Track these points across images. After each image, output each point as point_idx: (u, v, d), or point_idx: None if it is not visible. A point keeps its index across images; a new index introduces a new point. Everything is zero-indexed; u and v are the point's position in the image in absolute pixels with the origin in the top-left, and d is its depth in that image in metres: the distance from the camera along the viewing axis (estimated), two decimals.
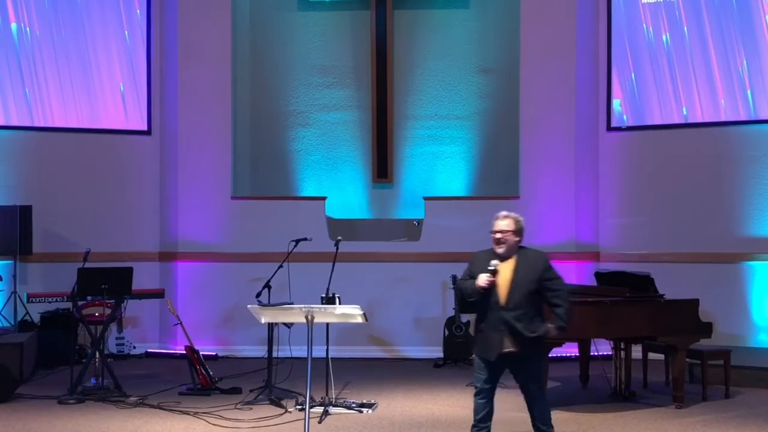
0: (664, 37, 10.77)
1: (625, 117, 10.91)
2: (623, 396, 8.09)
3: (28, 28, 10.76)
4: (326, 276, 7.84)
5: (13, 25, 10.72)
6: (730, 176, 10.41)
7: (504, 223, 5.78)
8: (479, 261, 5.79)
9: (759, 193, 10.29)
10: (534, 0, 10.78)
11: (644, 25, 10.86)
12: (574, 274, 10.51)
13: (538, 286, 5.68)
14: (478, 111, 11.29)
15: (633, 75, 10.91)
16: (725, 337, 9.52)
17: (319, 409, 7.42)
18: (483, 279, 5.65)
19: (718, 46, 10.50)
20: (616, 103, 10.96)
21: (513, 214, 5.86)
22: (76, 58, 10.92)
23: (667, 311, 7.67)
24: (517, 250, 5.78)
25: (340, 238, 8.41)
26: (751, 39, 10.35)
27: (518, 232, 5.80)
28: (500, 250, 5.76)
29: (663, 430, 7.00)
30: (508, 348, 5.64)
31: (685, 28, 10.67)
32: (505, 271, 5.70)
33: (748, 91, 10.36)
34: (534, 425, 5.87)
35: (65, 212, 10.72)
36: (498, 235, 5.76)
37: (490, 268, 5.67)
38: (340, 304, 7.65)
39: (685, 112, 10.70)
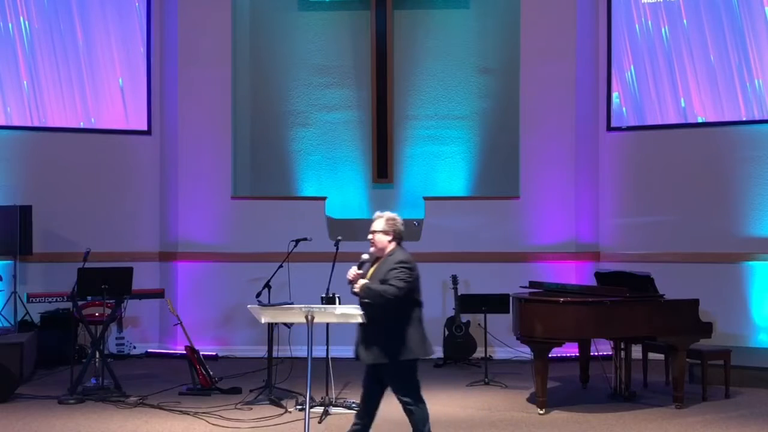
0: (664, 37, 10.77)
1: (624, 110, 10.89)
2: (623, 396, 8.09)
3: (28, 28, 10.75)
4: (326, 276, 7.83)
5: (11, 25, 10.71)
6: (730, 176, 10.41)
7: (375, 223, 5.75)
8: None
9: (759, 193, 10.29)
10: (534, 0, 10.78)
11: (644, 25, 10.86)
12: (574, 274, 10.53)
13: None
14: (478, 111, 11.29)
15: (633, 75, 10.91)
16: (725, 337, 9.52)
17: (319, 409, 7.43)
18: (349, 272, 5.68)
19: (718, 45, 10.49)
20: (616, 102, 10.96)
21: (388, 215, 5.80)
22: (76, 58, 10.91)
23: (667, 311, 7.67)
24: (390, 251, 5.69)
25: (340, 238, 8.40)
26: (751, 39, 10.35)
27: (389, 232, 5.72)
28: (371, 249, 5.74)
29: (663, 430, 7.00)
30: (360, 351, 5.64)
31: (685, 27, 10.67)
32: (371, 271, 5.68)
33: (749, 91, 10.36)
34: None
35: (65, 212, 10.72)
36: (369, 236, 5.74)
37: (360, 261, 5.71)
38: (340, 304, 7.65)
39: (685, 112, 10.69)
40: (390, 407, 7.78)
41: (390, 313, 5.55)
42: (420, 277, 5.75)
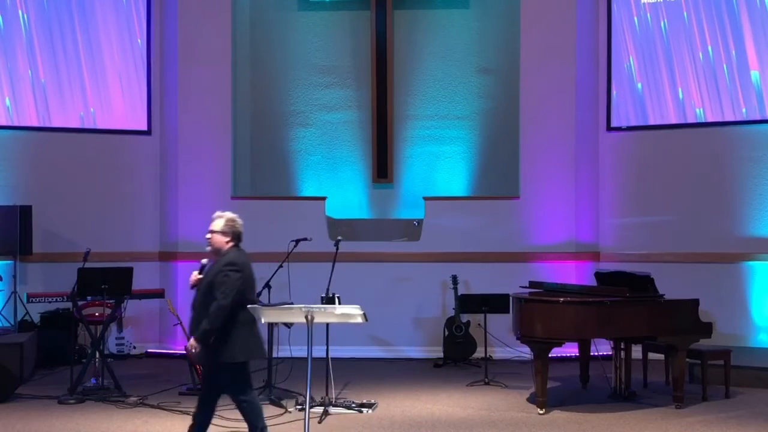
0: (664, 37, 10.77)
1: (624, 109, 10.90)
2: (623, 396, 8.09)
3: (28, 29, 10.75)
4: (326, 276, 7.84)
5: (10, 25, 10.71)
6: (730, 176, 10.41)
7: (214, 224, 5.74)
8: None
9: (759, 193, 10.29)
10: (534, 0, 10.78)
11: (644, 25, 10.86)
12: (574, 274, 10.53)
13: (211, 289, 5.55)
14: (478, 111, 11.29)
15: (633, 75, 10.91)
16: (725, 337, 9.53)
17: (319, 409, 7.43)
18: (191, 277, 5.71)
19: (719, 46, 10.49)
20: (616, 102, 10.95)
21: (228, 215, 5.78)
22: (77, 58, 10.91)
23: (667, 311, 7.67)
24: (226, 251, 5.67)
25: (340, 238, 8.42)
26: (751, 39, 10.35)
27: (228, 233, 5.70)
28: (208, 248, 5.73)
29: (663, 430, 7.00)
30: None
31: (686, 27, 10.67)
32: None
33: (749, 92, 10.36)
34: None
35: (65, 212, 10.72)
36: (207, 235, 5.73)
37: (200, 265, 5.74)
38: (340, 304, 7.66)
39: (685, 112, 10.69)
40: (394, 409, 7.79)
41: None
42: (253, 277, 5.71)
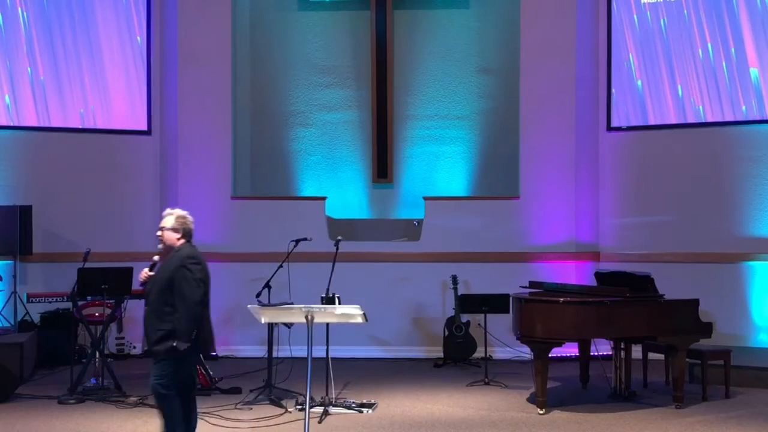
0: (664, 37, 10.77)
1: (624, 109, 10.90)
2: (623, 396, 8.09)
3: (28, 28, 10.75)
4: (326, 276, 7.84)
5: (10, 25, 10.71)
6: (730, 176, 10.41)
7: (165, 220, 5.72)
8: None
9: (759, 193, 10.29)
10: (534, 0, 10.78)
11: (644, 25, 10.86)
12: (574, 274, 10.53)
13: (170, 286, 5.51)
14: (478, 111, 11.29)
15: (633, 75, 10.91)
16: (725, 337, 9.53)
17: (319, 409, 7.43)
18: (141, 274, 5.72)
19: (719, 45, 10.49)
20: (616, 102, 10.95)
21: (178, 212, 5.77)
22: (76, 58, 10.91)
23: (667, 311, 7.67)
24: (179, 247, 5.66)
25: (340, 238, 8.42)
26: (751, 39, 10.35)
27: (179, 230, 5.69)
28: (160, 245, 5.72)
29: (663, 430, 7.00)
30: (147, 346, 5.62)
31: (686, 26, 10.67)
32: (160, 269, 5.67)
33: (749, 89, 10.36)
34: None
35: (65, 212, 10.71)
36: (158, 232, 5.72)
37: (151, 262, 5.74)
38: (340, 304, 7.66)
39: (685, 112, 10.69)
40: (394, 409, 7.79)
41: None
42: (209, 274, 5.69)
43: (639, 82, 10.88)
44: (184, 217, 5.75)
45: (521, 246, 10.67)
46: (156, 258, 5.81)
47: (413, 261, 10.63)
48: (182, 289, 5.49)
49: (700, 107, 10.60)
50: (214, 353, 6.80)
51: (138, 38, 11.14)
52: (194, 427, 5.89)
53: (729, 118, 10.47)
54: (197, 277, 5.53)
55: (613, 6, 10.94)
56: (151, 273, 5.72)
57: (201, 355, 8.35)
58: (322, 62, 11.35)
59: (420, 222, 10.89)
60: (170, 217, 5.73)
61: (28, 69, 10.74)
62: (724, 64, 10.46)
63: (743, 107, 10.38)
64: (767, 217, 10.24)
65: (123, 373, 8.82)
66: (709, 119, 10.57)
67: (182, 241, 5.70)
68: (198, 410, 7.40)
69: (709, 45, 10.53)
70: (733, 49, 10.41)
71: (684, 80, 10.66)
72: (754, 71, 10.32)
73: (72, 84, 10.91)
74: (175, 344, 5.44)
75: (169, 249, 5.70)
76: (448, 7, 11.30)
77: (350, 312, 5.72)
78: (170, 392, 5.60)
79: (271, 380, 8.07)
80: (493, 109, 11.26)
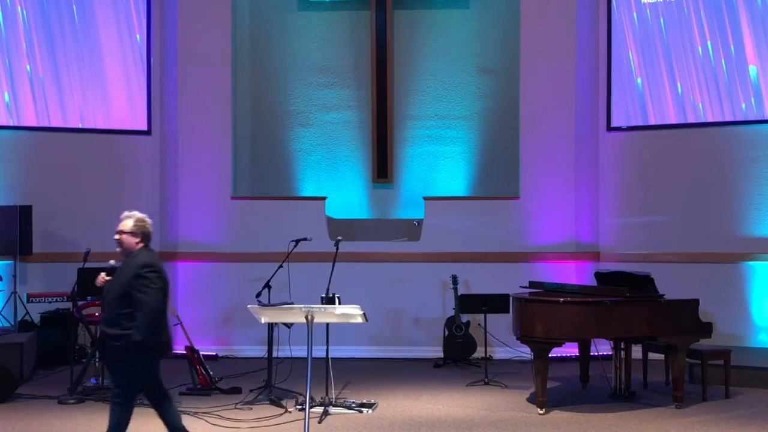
0: (664, 37, 10.77)
1: (624, 109, 10.90)
2: (623, 396, 8.09)
3: (27, 28, 10.75)
4: (326, 276, 7.84)
5: (9, 25, 10.71)
6: (730, 176, 10.41)
7: (123, 224, 5.64)
8: None
9: (759, 193, 10.29)
10: (534, 0, 10.78)
11: (645, 25, 10.86)
12: (574, 274, 10.53)
13: (128, 292, 5.44)
14: (478, 111, 11.29)
15: (633, 74, 10.91)
16: (725, 337, 9.52)
17: (319, 409, 7.43)
18: (98, 278, 5.68)
19: (719, 45, 10.49)
20: (616, 102, 10.95)
21: (137, 215, 5.68)
22: (76, 58, 10.91)
23: (667, 311, 7.67)
24: (137, 252, 5.58)
25: (340, 238, 8.41)
26: (751, 38, 10.35)
27: (137, 234, 5.60)
28: (118, 249, 5.64)
29: (663, 430, 7.00)
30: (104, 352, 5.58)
31: (686, 27, 10.67)
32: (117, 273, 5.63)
33: (750, 91, 10.36)
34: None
35: (65, 212, 10.71)
36: (116, 236, 5.64)
37: (107, 266, 5.71)
38: (340, 304, 7.66)
39: (685, 112, 10.69)
40: (394, 409, 7.79)
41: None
42: (167, 281, 5.59)
43: (639, 80, 10.86)
44: (143, 221, 5.65)
45: (521, 246, 10.67)
46: (112, 262, 5.74)
47: (413, 261, 10.63)
48: (140, 298, 5.39)
49: (700, 104, 10.60)
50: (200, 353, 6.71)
51: (138, 38, 11.13)
52: (179, 418, 5.82)
53: (728, 115, 10.47)
54: (156, 286, 5.43)
55: (613, 6, 10.94)
56: (108, 278, 5.64)
57: (195, 361, 8.38)
58: (322, 62, 11.35)
59: (420, 222, 10.89)
60: (129, 221, 5.62)
61: (28, 69, 10.73)
62: (723, 61, 10.46)
63: (743, 105, 10.38)
64: (767, 217, 10.24)
65: None
66: (709, 117, 10.57)
67: (141, 245, 5.60)
68: (198, 410, 7.44)
69: (709, 43, 10.53)
70: (732, 47, 10.41)
71: (684, 78, 10.65)
72: (753, 69, 10.32)
73: (72, 84, 10.90)
74: (134, 349, 5.39)
75: (126, 253, 5.60)
76: (448, 7, 11.30)
77: (350, 312, 5.72)
78: (124, 400, 5.57)
79: (271, 380, 8.07)
80: (493, 109, 11.25)
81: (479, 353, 9.69)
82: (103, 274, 5.73)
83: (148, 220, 5.70)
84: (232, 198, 10.91)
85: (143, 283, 5.40)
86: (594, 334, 7.88)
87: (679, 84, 10.68)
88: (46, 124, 10.80)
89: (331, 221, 10.91)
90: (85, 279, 8.31)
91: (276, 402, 7.76)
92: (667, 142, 10.72)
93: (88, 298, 8.86)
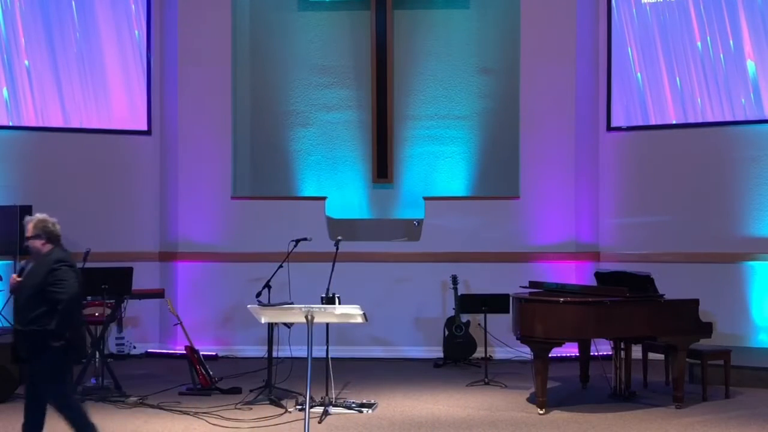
0: (664, 37, 10.77)
1: (624, 109, 10.90)
2: (623, 396, 8.09)
3: (27, 28, 10.74)
4: (326, 276, 7.84)
5: (9, 25, 10.71)
6: (730, 176, 10.41)
7: (27, 228, 5.63)
8: None
9: (759, 193, 10.29)
10: (534, 0, 10.78)
11: (644, 25, 10.86)
12: (574, 274, 10.53)
13: (42, 290, 5.44)
14: (478, 111, 11.29)
15: (633, 74, 10.91)
16: (725, 337, 9.52)
17: (319, 409, 7.43)
18: (11, 280, 5.67)
19: (719, 45, 10.49)
20: (616, 102, 10.95)
21: (37, 217, 5.67)
22: (76, 58, 10.91)
23: (667, 311, 7.67)
24: (50, 252, 5.56)
25: (340, 238, 8.42)
26: (751, 38, 10.35)
27: (41, 235, 5.59)
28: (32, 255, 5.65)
29: (663, 430, 7.00)
30: (19, 353, 5.53)
31: (686, 27, 10.66)
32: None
33: (748, 87, 10.36)
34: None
35: (65, 212, 10.53)
36: (26, 243, 5.65)
37: (20, 268, 5.68)
38: (340, 304, 7.66)
39: (685, 112, 10.69)
40: (394, 409, 7.79)
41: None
42: (80, 277, 5.60)
43: (639, 82, 10.86)
44: (43, 221, 5.63)
45: (521, 246, 10.67)
46: (23, 263, 5.73)
47: (413, 261, 10.63)
48: (55, 293, 5.39)
49: (699, 100, 10.59)
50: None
51: (138, 37, 11.13)
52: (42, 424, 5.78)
53: (727, 110, 10.46)
54: (70, 277, 5.43)
55: (613, 6, 10.94)
56: (20, 279, 5.61)
57: (195, 361, 8.38)
58: (322, 62, 11.35)
59: (420, 222, 10.89)
60: (30, 225, 5.62)
61: (28, 69, 10.72)
62: (722, 56, 10.46)
63: (742, 100, 10.38)
64: (767, 217, 10.24)
65: (123, 373, 8.81)
66: (708, 113, 10.56)
67: (49, 246, 5.60)
68: (198, 410, 7.44)
69: (708, 38, 10.53)
70: (731, 42, 10.41)
71: (684, 79, 10.65)
72: (751, 64, 10.32)
73: (72, 84, 10.90)
74: (53, 343, 5.38)
75: (38, 256, 5.60)
76: (448, 7, 11.30)
77: (350, 312, 5.72)
78: (65, 402, 5.64)
79: (271, 380, 8.06)
80: (493, 109, 11.25)
81: (479, 353, 9.69)
82: (14, 276, 5.71)
83: (51, 220, 5.68)
84: (232, 198, 10.91)
85: (57, 276, 5.41)
86: (594, 334, 7.89)
87: (678, 80, 10.67)
88: (46, 124, 10.80)
89: (331, 221, 10.91)
90: (85, 279, 8.29)
91: (276, 402, 7.76)
92: (667, 141, 10.72)
93: (88, 298, 8.84)
